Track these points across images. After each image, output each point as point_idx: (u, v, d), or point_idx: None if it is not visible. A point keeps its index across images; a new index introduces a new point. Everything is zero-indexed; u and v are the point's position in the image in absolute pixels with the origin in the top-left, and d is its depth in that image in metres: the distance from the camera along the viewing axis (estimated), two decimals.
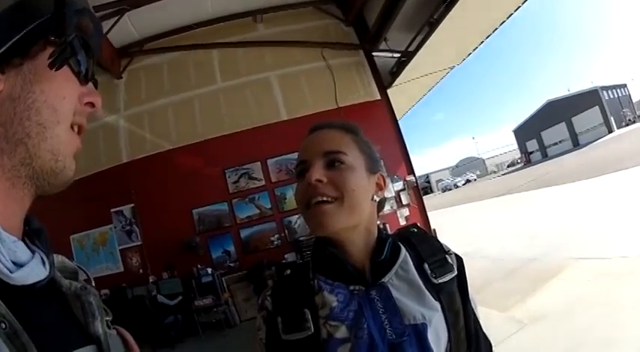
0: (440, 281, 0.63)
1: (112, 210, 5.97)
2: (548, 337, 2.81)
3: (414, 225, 0.72)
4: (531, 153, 43.64)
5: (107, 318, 0.40)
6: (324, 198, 0.59)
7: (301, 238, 5.36)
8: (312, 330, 0.58)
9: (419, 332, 0.58)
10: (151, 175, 5.72)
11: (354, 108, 5.35)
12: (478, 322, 0.67)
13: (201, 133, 5.70)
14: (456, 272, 0.65)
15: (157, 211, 5.66)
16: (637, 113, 36.90)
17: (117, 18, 5.25)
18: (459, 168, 59.94)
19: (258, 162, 5.51)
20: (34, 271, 0.33)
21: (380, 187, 0.67)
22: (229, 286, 5.67)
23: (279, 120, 5.54)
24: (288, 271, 0.68)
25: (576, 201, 8.02)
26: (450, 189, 38.63)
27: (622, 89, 40.60)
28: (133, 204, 5.89)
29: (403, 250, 0.65)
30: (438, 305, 0.61)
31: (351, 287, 0.60)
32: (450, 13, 5.18)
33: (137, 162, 5.89)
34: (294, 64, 5.65)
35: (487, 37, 5.87)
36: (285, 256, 5.40)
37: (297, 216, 5.46)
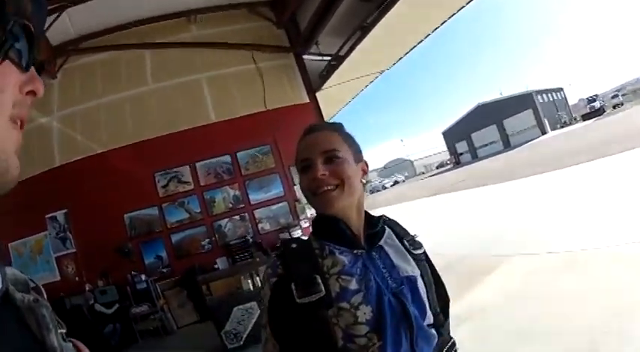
0: (416, 252, 0.81)
1: (47, 216, 5.80)
2: (488, 331, 2.82)
3: (384, 215, 0.88)
4: (461, 154, 43.98)
5: (62, 331, 0.38)
6: (329, 187, 0.76)
7: (232, 242, 5.34)
8: (324, 292, 0.68)
9: (412, 281, 0.75)
10: (84, 179, 5.57)
11: (282, 110, 5.36)
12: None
13: (132, 136, 5.57)
14: (424, 249, 0.84)
15: (89, 216, 5.51)
16: (573, 115, 37.92)
17: (57, 15, 5.07)
18: (387, 170, 59.95)
19: (187, 166, 5.44)
20: None
21: (365, 172, 0.84)
22: (164, 292, 5.58)
23: (209, 122, 5.48)
24: (294, 244, 0.78)
25: (509, 199, 8.24)
26: (379, 190, 38.04)
27: (558, 93, 41.84)
28: (66, 210, 5.74)
29: (386, 227, 0.83)
30: (417, 268, 0.79)
31: (354, 251, 0.76)
32: (383, 18, 5.25)
33: (70, 165, 5.72)
34: (225, 66, 5.61)
35: (418, 43, 5.97)
36: (217, 260, 5.36)
37: (226, 219, 5.43)
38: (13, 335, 0.33)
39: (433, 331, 0.76)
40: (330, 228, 0.77)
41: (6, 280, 0.36)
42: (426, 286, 0.78)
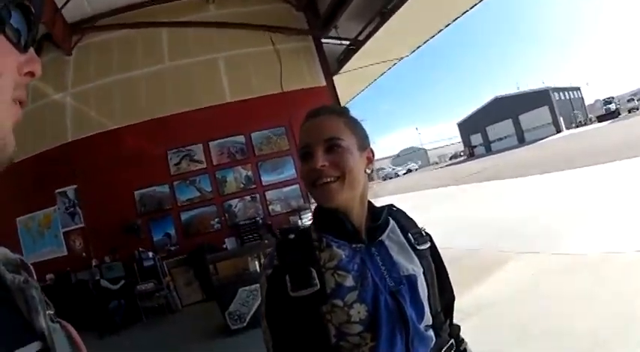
0: (420, 248, 0.76)
1: (57, 191, 5.81)
2: (494, 327, 2.78)
3: (393, 205, 0.83)
4: (475, 146, 43.42)
5: (50, 312, 0.38)
6: (329, 179, 0.70)
7: (241, 222, 5.31)
8: (319, 286, 0.65)
9: (411, 281, 0.70)
10: (95, 155, 5.58)
11: (298, 93, 5.33)
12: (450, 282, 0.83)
13: (146, 113, 5.58)
14: (429, 244, 0.78)
15: (99, 192, 5.53)
16: (589, 116, 37.41)
17: None
18: (400, 158, 58.66)
19: (200, 144, 5.43)
20: None
21: (370, 160, 0.77)
22: (170, 270, 5.58)
23: (224, 102, 5.46)
24: (292, 235, 0.75)
25: (523, 195, 8.14)
26: (391, 178, 37.62)
27: (575, 92, 41.61)
28: (76, 185, 5.74)
29: (391, 220, 0.77)
30: (420, 266, 0.73)
31: (353, 245, 0.71)
32: (405, 4, 5.20)
33: (82, 141, 5.74)
34: (243, 46, 5.58)
35: (439, 32, 5.91)
36: (225, 240, 5.34)
37: (237, 199, 5.41)
38: (2, 317, 0.33)
39: (430, 333, 0.73)
40: (329, 219, 0.73)
41: None
42: (427, 284, 0.74)
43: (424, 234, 0.79)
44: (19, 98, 0.36)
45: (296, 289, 0.66)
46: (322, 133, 0.72)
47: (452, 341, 0.79)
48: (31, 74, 0.37)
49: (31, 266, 0.40)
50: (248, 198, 5.43)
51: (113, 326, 4.86)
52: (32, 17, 0.36)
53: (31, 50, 0.37)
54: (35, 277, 0.39)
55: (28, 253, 5.60)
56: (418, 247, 0.76)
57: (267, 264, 0.73)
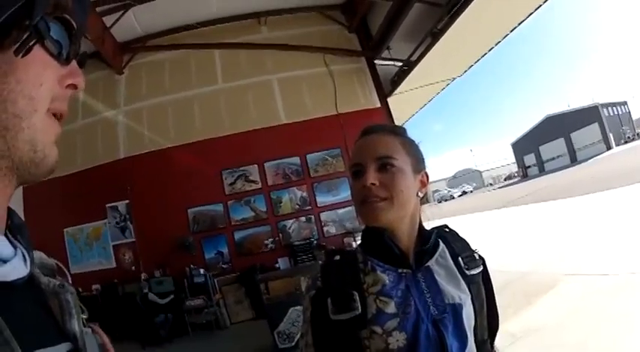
0: (470, 273, 0.73)
1: (107, 205, 5.95)
2: (542, 350, 2.81)
3: (446, 226, 0.81)
4: (529, 167, 43.56)
5: (83, 316, 0.40)
6: (376, 199, 0.69)
7: (295, 243, 5.36)
8: (360, 311, 0.65)
9: (456, 310, 0.68)
10: (148, 172, 5.71)
11: (353, 115, 5.36)
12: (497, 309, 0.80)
13: (200, 133, 5.69)
14: (481, 268, 0.76)
15: (151, 208, 5.65)
16: (637, 131, 36.67)
17: (121, 12, 5.24)
18: (455, 180, 59.99)
19: (256, 165, 5.50)
20: (16, 268, 0.33)
21: (423, 184, 0.76)
22: (221, 288, 5.65)
23: (279, 123, 5.53)
24: (338, 257, 0.73)
25: (574, 216, 8.03)
26: (446, 200, 38.11)
27: (622, 106, 40.61)
28: (128, 200, 5.87)
29: (441, 242, 0.75)
30: (468, 292, 0.72)
31: (399, 270, 0.70)
32: (454, 24, 5.19)
33: (134, 158, 5.88)
34: (296, 68, 5.65)
35: (489, 50, 5.88)
36: (278, 260, 5.39)
37: (291, 220, 5.46)
38: (33, 316, 0.34)
39: None
40: (376, 242, 0.72)
41: (34, 264, 0.37)
42: (475, 311, 0.72)
43: (477, 257, 0.76)
44: (58, 110, 0.36)
45: (337, 312, 0.65)
46: (375, 151, 0.71)
47: None
48: (73, 86, 0.37)
49: (68, 272, 0.42)
50: (303, 218, 5.48)
51: (157, 339, 4.93)
52: (73, 31, 0.37)
53: (74, 63, 0.37)
54: (71, 281, 0.41)
55: (74, 264, 5.74)
56: (468, 272, 0.73)
57: (311, 286, 0.72)
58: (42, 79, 0.34)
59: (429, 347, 0.65)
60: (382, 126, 0.78)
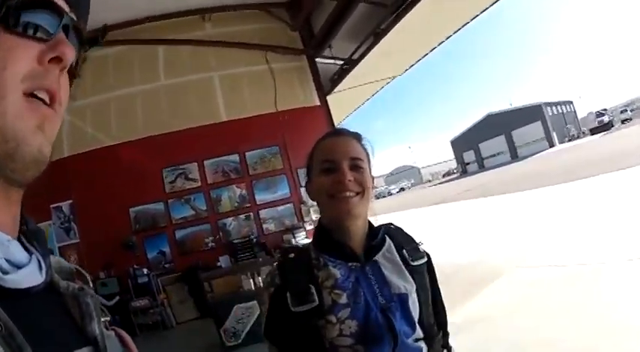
0: (414, 264, 0.80)
1: (52, 205, 5.82)
2: (489, 340, 2.85)
3: (392, 223, 0.89)
4: (468, 163, 44.22)
5: (104, 319, 0.39)
6: (351, 193, 0.77)
7: (235, 241, 5.34)
8: (317, 302, 0.71)
9: (402, 299, 0.76)
10: (91, 171, 5.59)
11: (293, 112, 5.37)
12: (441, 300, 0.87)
13: (142, 130, 5.59)
14: (425, 259, 0.83)
15: (95, 208, 5.53)
16: (582, 129, 37.68)
17: None
18: (393, 176, 60.65)
19: (195, 163, 5.45)
20: (30, 275, 0.32)
21: (373, 185, 0.86)
22: (165, 287, 5.60)
23: (219, 121, 5.49)
24: (292, 254, 0.80)
25: (514, 211, 8.23)
26: (384, 197, 38.68)
27: (567, 105, 41.86)
28: (71, 201, 5.75)
29: (387, 238, 0.83)
30: (413, 282, 0.78)
31: (349, 264, 0.77)
32: (397, 25, 5.25)
33: (78, 156, 5.74)
34: (238, 65, 5.63)
35: (432, 50, 5.97)
36: (220, 258, 5.37)
37: (231, 218, 5.44)
38: (52, 321, 0.34)
39: (421, 344, 0.78)
40: (328, 239, 0.79)
41: (50, 270, 0.36)
42: (420, 299, 0.79)
43: (420, 249, 0.84)
44: (39, 88, 0.32)
45: (297, 305, 0.72)
46: (348, 151, 0.80)
47: (445, 351, 0.85)
48: (58, 59, 0.34)
49: (88, 275, 0.42)
50: (242, 216, 5.47)
51: None
52: (54, 5, 0.34)
53: (58, 35, 0.34)
54: (91, 285, 0.41)
55: None
56: (412, 263, 0.81)
57: (270, 283, 0.78)
58: (5, 62, 0.31)
59: (378, 331, 0.72)
60: (349, 131, 0.86)
